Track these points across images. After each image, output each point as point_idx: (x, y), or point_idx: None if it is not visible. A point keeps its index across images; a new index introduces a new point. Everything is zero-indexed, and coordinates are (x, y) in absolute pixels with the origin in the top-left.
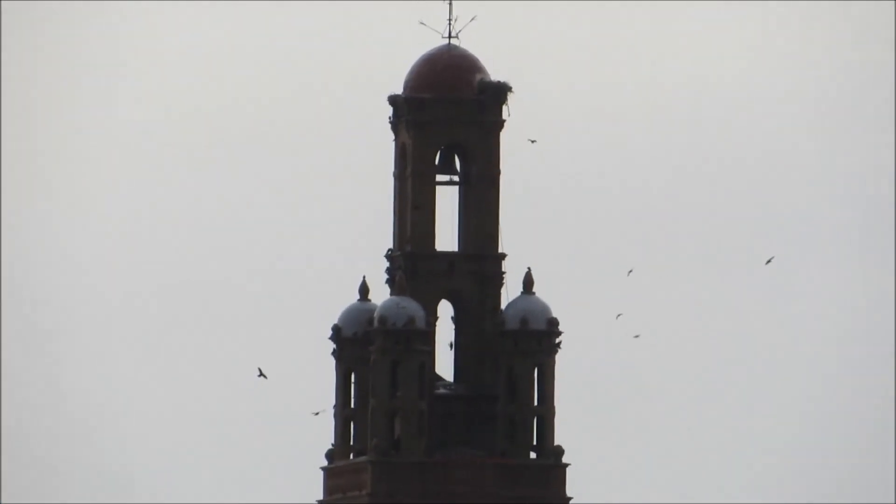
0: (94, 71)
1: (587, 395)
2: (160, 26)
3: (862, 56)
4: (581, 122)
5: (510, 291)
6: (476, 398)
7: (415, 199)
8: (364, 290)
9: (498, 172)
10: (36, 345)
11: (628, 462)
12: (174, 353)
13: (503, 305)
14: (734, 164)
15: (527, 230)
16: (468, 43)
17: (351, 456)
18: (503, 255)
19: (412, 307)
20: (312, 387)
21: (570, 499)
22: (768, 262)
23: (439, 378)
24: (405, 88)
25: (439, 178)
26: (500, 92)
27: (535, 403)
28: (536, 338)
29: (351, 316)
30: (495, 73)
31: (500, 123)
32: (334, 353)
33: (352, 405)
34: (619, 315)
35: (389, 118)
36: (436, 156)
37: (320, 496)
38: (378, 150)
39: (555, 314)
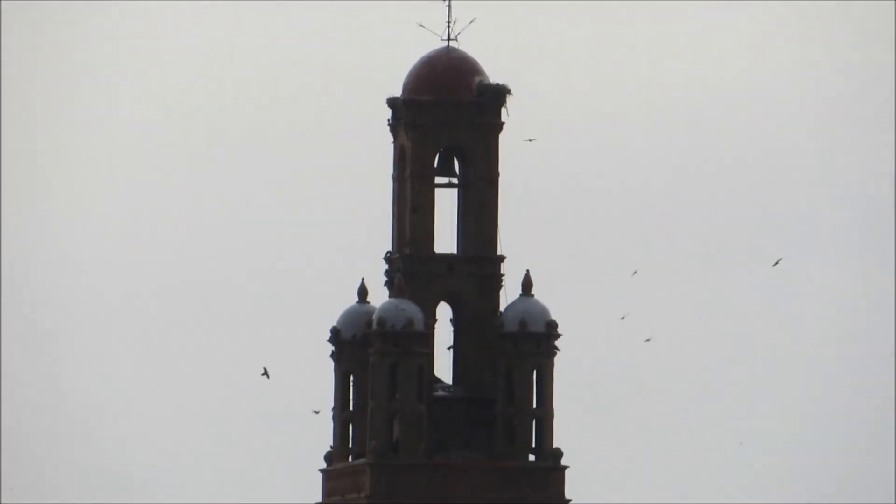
0: (94, 71)
1: (586, 397)
2: (160, 27)
3: (862, 56)
4: (580, 124)
5: (509, 294)
6: (475, 400)
7: (414, 202)
8: (363, 292)
9: (497, 174)
10: (36, 344)
11: (628, 464)
12: (173, 354)
13: (502, 308)
14: (734, 165)
15: (526, 232)
16: (467, 45)
17: (350, 458)
18: (502, 258)
19: (411, 309)
20: (311, 389)
21: (569, 501)
22: (776, 263)
23: (438, 380)
24: (404, 90)
25: (438, 180)
26: (499, 94)
27: (534, 406)
28: (535, 340)
29: (350, 318)
30: (494, 76)
31: (499, 125)
32: (333, 355)
33: (350, 407)
34: (623, 317)
35: (388, 120)
36: (435, 158)
37: (319, 498)
38: (377, 152)
39: (554, 316)
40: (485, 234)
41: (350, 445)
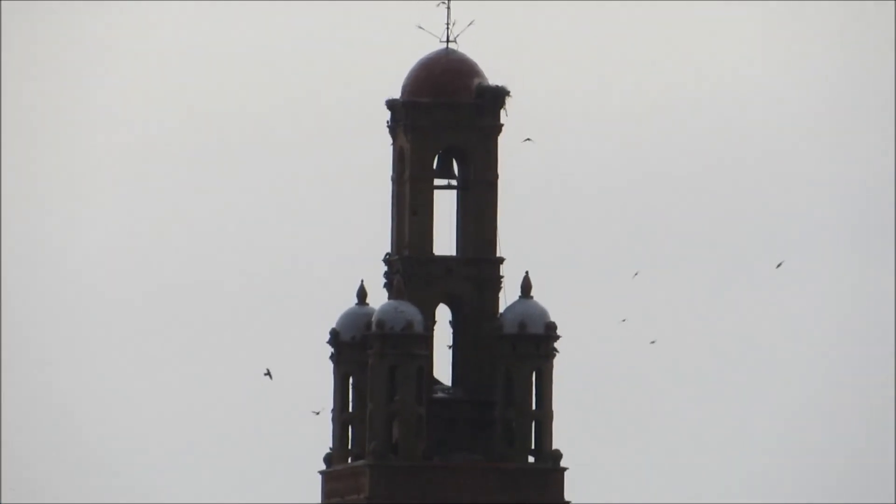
0: (94, 71)
1: (586, 398)
2: (160, 27)
3: (862, 56)
4: (580, 126)
5: (508, 295)
6: (474, 402)
7: (413, 204)
8: (362, 294)
9: (496, 176)
10: (36, 345)
11: (627, 466)
12: (173, 355)
13: (501, 309)
14: (734, 165)
15: (525, 234)
16: (466, 47)
17: (349, 460)
18: (501, 259)
19: (410, 311)
20: (310, 391)
21: (568, 502)
22: (779, 265)
23: (437, 382)
24: (403, 92)
25: (437, 182)
26: (498, 96)
27: (534, 407)
28: (534, 342)
29: (349, 320)
30: (493, 78)
31: (498, 127)
32: (332, 356)
33: (350, 409)
34: (623, 320)
35: (387, 122)
36: (434, 160)
37: (318, 500)
38: (376, 153)
39: (553, 318)
40: (484, 235)
41: (349, 447)
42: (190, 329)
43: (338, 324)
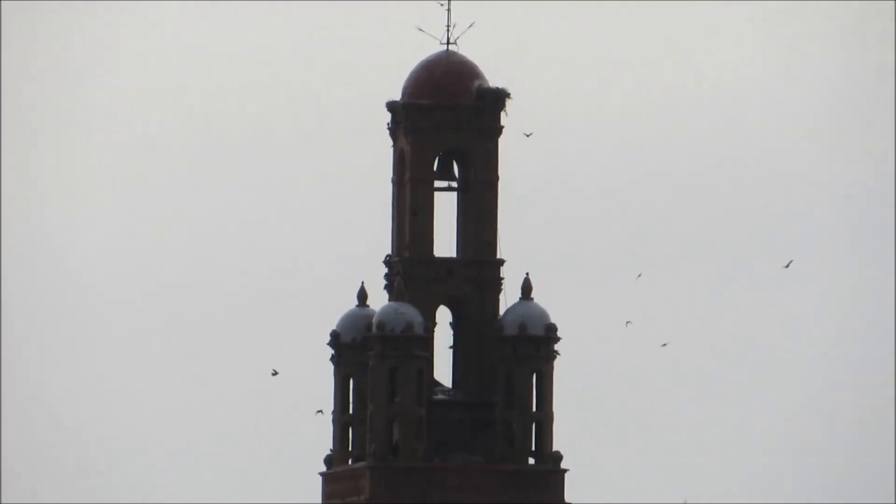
0: (94, 71)
1: (586, 400)
2: (160, 28)
3: (862, 56)
4: (580, 127)
5: (509, 297)
6: (474, 404)
7: (413, 205)
8: (362, 295)
9: (496, 178)
10: (36, 344)
11: (627, 467)
12: (173, 356)
13: (502, 311)
14: (734, 165)
15: (525, 236)
16: (467, 49)
17: (349, 461)
18: (501, 261)
19: (410, 313)
20: (311, 392)
21: None
22: (787, 265)
23: (438, 384)
24: (403, 94)
25: (438, 184)
26: (498, 97)
27: (534, 409)
28: (535, 343)
29: (349, 322)
30: (494, 79)
31: (498, 129)
32: (333, 358)
33: (350, 411)
34: (628, 322)
35: (388, 124)
36: (434, 162)
37: (318, 501)
38: (376, 155)
39: (553, 320)
40: (484, 237)
41: (350, 449)
42: (190, 329)
43: (338, 325)
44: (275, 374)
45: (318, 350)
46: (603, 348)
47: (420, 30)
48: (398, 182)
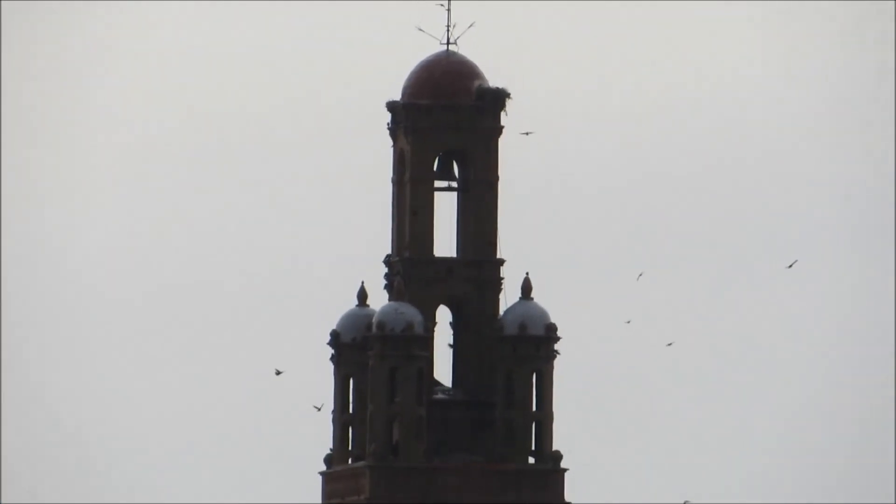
0: (94, 71)
1: (586, 399)
2: (160, 27)
3: (862, 56)
4: (580, 127)
5: (509, 297)
6: (474, 403)
7: (413, 205)
8: (362, 295)
9: (496, 178)
10: (36, 344)
11: (627, 467)
12: (173, 356)
13: (502, 311)
14: (734, 165)
15: (525, 236)
16: (467, 49)
17: (349, 461)
18: (501, 261)
19: (410, 313)
20: (311, 392)
21: (568, 503)
22: (791, 265)
23: (438, 383)
24: (403, 94)
25: (438, 183)
26: (498, 98)
27: (534, 409)
28: (535, 343)
29: (349, 321)
30: (494, 79)
31: (498, 129)
32: (333, 358)
33: (350, 410)
34: (628, 321)
35: (388, 124)
36: (434, 162)
37: (319, 501)
38: (376, 155)
39: (553, 320)
40: (484, 237)
41: (350, 448)
42: (190, 329)
43: (338, 325)
44: (279, 373)
45: (318, 350)
46: (603, 348)
47: (420, 30)
48: (398, 182)
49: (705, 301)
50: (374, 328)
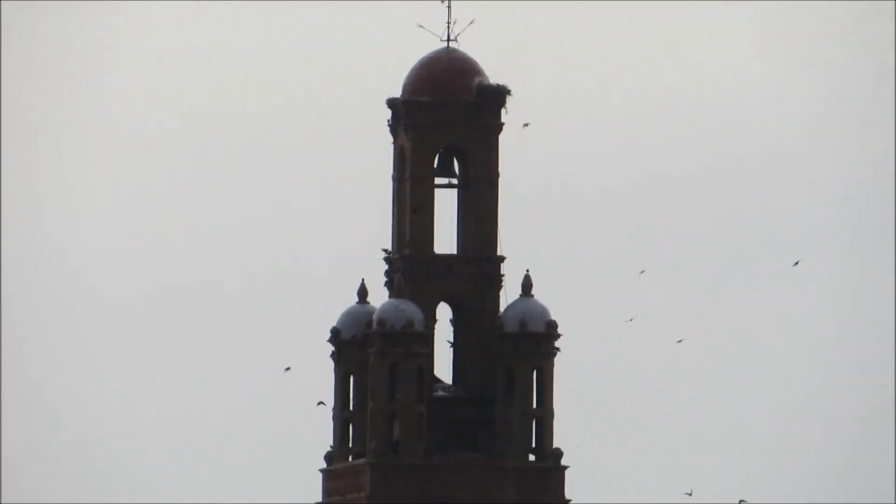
0: (94, 71)
1: (586, 397)
2: (160, 27)
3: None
4: (580, 125)
5: (509, 294)
6: (475, 401)
7: (413, 202)
8: (363, 292)
9: (497, 175)
10: (36, 344)
11: (627, 464)
12: (173, 354)
13: (502, 308)
14: (734, 165)
15: (526, 233)
16: (467, 46)
17: (350, 458)
18: (502, 258)
19: (411, 310)
20: (311, 389)
21: (568, 501)
22: (796, 264)
23: (438, 380)
24: (404, 91)
25: (438, 180)
26: (498, 95)
27: (534, 406)
28: (535, 340)
29: (350, 318)
30: (494, 76)
31: (498, 126)
32: (333, 355)
33: (350, 407)
34: (630, 319)
35: (388, 121)
36: (434, 158)
37: (319, 498)
38: (377, 152)
39: (553, 317)
40: (484, 234)
41: (350, 445)
42: (190, 328)
43: (339, 322)
44: (287, 369)
45: (318, 347)
46: (603, 345)
47: (420, 27)
48: (398, 179)
49: (705, 301)
50: (374, 325)
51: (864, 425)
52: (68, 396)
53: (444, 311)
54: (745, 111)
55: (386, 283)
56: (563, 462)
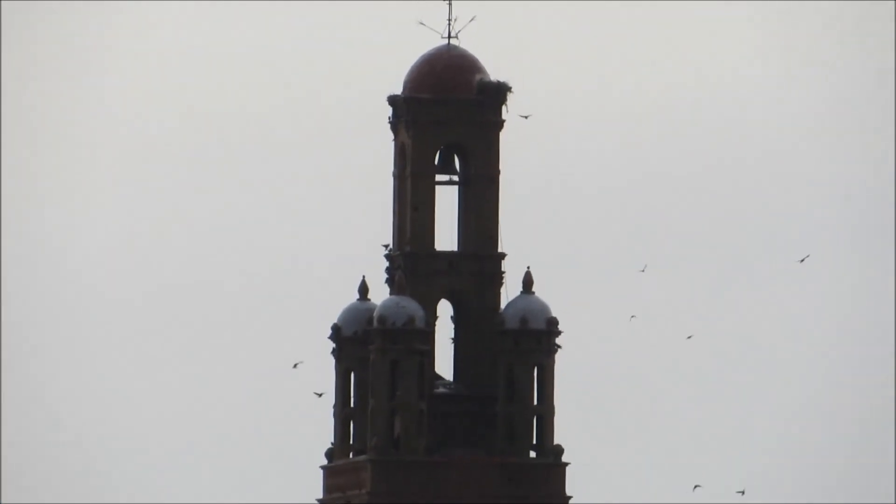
0: (94, 71)
1: (587, 394)
2: (160, 27)
3: (862, 56)
4: (580, 122)
5: (510, 291)
6: (476, 397)
7: (414, 199)
8: (364, 289)
9: (497, 172)
10: (36, 344)
11: (628, 461)
12: (173, 352)
13: (503, 305)
14: (734, 164)
15: (526, 230)
16: (468, 43)
17: (350, 455)
18: (503, 255)
19: (412, 307)
20: (312, 386)
21: (569, 498)
22: (802, 260)
23: (439, 377)
24: (405, 88)
25: (439, 177)
26: (499, 92)
27: (535, 402)
28: (536, 337)
29: (350, 315)
30: (495, 73)
31: (499, 123)
32: (334, 352)
33: (351, 404)
34: (633, 316)
35: (389, 118)
36: (435, 156)
37: (320, 495)
38: (377, 149)
39: (554, 314)
40: (485, 231)
41: (351, 442)
42: (191, 326)
43: (339, 319)
44: (296, 365)
45: (319, 344)
46: (604, 342)
47: (421, 24)
48: (399, 176)
49: (705, 300)
50: (375, 322)
51: (864, 425)
52: (68, 396)
53: (444, 308)
54: (745, 111)
55: (387, 280)
56: (564, 459)
